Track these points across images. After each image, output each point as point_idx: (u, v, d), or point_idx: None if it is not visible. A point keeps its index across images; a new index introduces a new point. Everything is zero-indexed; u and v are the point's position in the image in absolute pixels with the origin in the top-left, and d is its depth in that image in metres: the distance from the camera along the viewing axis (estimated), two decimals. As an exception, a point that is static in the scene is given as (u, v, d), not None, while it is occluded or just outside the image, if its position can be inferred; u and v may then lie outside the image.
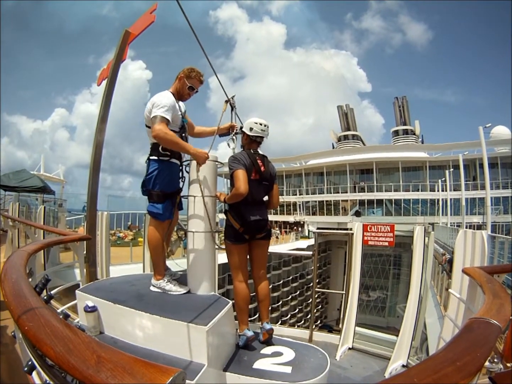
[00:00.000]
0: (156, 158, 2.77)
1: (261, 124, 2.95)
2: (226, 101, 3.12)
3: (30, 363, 1.14)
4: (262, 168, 2.91)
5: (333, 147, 49.43)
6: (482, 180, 29.39)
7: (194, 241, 2.74)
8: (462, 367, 0.79)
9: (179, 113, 2.84)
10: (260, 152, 3.06)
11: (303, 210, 41.42)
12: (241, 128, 3.08)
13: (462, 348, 0.90)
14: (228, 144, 3.17)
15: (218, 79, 3.09)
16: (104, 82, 3.90)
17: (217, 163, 2.86)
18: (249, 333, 2.73)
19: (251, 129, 2.95)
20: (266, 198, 3.10)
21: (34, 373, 1.18)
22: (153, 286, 2.83)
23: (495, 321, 1.06)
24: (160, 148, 2.75)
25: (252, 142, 3.00)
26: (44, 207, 7.78)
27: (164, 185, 2.77)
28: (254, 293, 3.10)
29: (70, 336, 0.87)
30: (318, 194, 41.15)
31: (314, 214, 40.66)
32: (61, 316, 1.31)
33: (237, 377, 2.32)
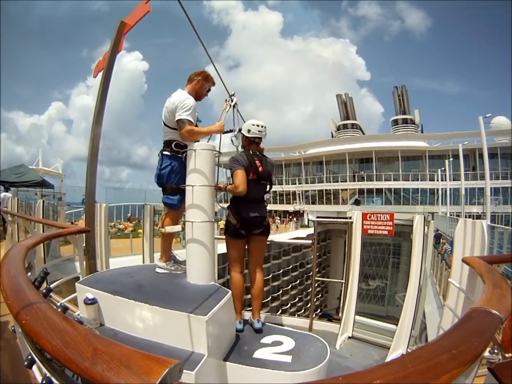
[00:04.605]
0: (169, 153, 2.97)
1: (258, 126, 3.15)
2: (226, 100, 3.21)
3: (30, 357, 1.15)
4: (260, 169, 3.10)
5: (332, 136, 49.21)
6: (481, 170, 29.34)
7: (193, 231, 2.73)
8: (457, 355, 0.79)
9: (196, 113, 3.02)
10: (261, 149, 3.26)
11: (302, 199, 41.38)
12: (239, 130, 3.23)
13: (460, 337, 0.90)
14: (232, 141, 3.27)
15: (219, 75, 3.18)
16: (100, 74, 3.87)
17: (215, 152, 2.85)
18: (239, 326, 2.93)
19: (248, 131, 3.15)
20: (267, 196, 3.33)
21: (34, 367, 1.18)
22: (160, 268, 3.07)
23: (495, 311, 1.06)
24: (173, 145, 2.94)
25: (251, 143, 3.20)
26: (43, 201, 7.75)
27: (177, 179, 2.96)
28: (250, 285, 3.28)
29: (67, 328, 0.86)
30: (318, 183, 41.02)
31: (313, 203, 40.56)
32: (59, 309, 1.31)
33: (238, 366, 2.34)
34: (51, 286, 2.16)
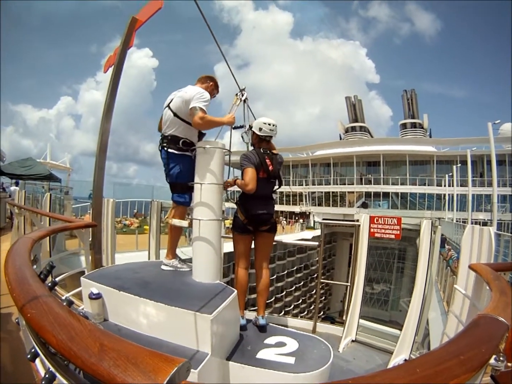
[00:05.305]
0: (176, 152, 2.95)
1: (269, 124, 3.15)
2: (237, 94, 3.24)
3: (33, 350, 1.14)
4: (270, 167, 3.12)
5: (341, 138, 49.02)
6: (489, 177, 29.16)
7: (200, 229, 2.73)
8: (465, 361, 0.79)
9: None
10: (271, 146, 3.28)
11: (309, 200, 41.30)
12: (250, 127, 3.24)
13: (467, 343, 0.90)
14: (242, 137, 3.32)
15: (230, 70, 3.15)
16: (111, 69, 3.87)
17: (224, 150, 2.84)
18: (242, 322, 2.94)
19: (260, 129, 3.15)
20: (275, 196, 3.37)
21: (37, 361, 1.18)
22: (165, 265, 3.10)
23: (502, 319, 1.05)
24: (180, 142, 2.93)
25: (261, 141, 3.21)
26: (50, 195, 7.77)
27: (187, 178, 2.95)
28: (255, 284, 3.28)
29: (73, 323, 0.85)
30: (325, 185, 40.94)
31: (320, 205, 40.49)
32: (64, 303, 1.31)
33: (241, 366, 2.34)
34: (56, 279, 2.16)
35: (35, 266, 1.72)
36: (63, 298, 2.25)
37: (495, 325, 1.03)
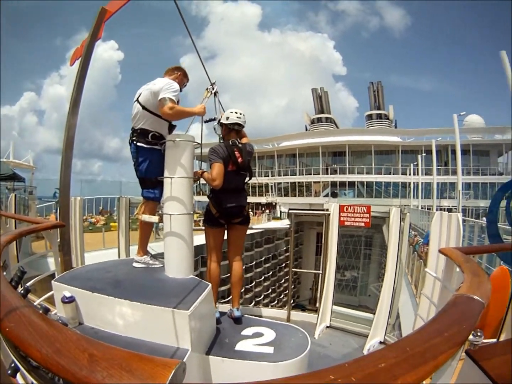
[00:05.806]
0: (145, 146, 2.89)
1: (236, 113, 3.16)
2: (207, 88, 3.22)
3: (13, 365, 1.08)
4: (239, 160, 3.10)
5: (306, 129, 49.46)
6: (453, 166, 30.26)
7: (171, 223, 2.70)
8: (449, 338, 0.85)
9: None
10: (242, 135, 3.32)
11: (275, 191, 41.51)
12: (219, 121, 3.22)
13: (449, 321, 0.97)
14: (215, 129, 3.29)
15: (202, 62, 3.22)
16: (77, 62, 3.72)
17: (194, 143, 2.81)
18: (216, 315, 2.93)
19: (227, 118, 3.15)
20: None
21: (18, 375, 1.11)
22: (137, 262, 3.04)
23: (477, 297, 1.13)
24: (150, 136, 2.87)
25: (230, 131, 3.20)
26: (15, 195, 7.47)
27: (156, 172, 2.89)
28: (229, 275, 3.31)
29: (56, 334, 0.80)
30: (290, 175, 41.32)
31: (286, 195, 40.83)
32: (41, 311, 1.25)
33: (221, 360, 2.35)
34: (28, 285, 2.07)
35: (5, 273, 1.64)
36: (36, 303, 2.15)
37: (472, 304, 1.11)
